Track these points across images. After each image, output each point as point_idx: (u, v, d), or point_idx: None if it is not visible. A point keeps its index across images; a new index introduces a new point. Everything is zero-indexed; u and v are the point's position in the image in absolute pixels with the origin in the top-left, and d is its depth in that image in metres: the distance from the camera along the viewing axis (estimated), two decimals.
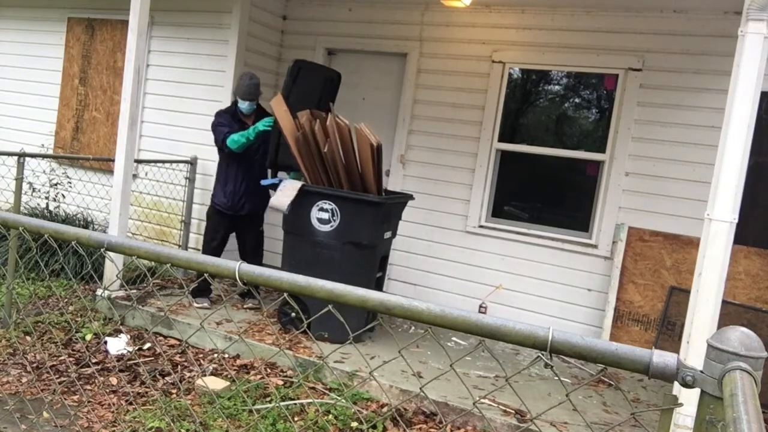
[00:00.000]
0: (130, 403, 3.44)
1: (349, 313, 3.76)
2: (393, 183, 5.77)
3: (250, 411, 3.40)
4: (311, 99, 4.72)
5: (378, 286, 4.64)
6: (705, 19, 4.65)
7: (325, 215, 4.25)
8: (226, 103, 5.75)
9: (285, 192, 4.31)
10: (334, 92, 5.15)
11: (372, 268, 4.48)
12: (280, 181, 4.45)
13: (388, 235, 4.55)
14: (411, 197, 4.83)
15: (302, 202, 4.31)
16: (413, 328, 4.98)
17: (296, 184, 4.31)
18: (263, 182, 4.64)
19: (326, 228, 4.27)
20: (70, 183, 6.47)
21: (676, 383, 1.07)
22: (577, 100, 5.39)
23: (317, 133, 4.21)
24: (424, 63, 5.65)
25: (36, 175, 6.54)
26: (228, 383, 3.72)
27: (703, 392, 1.03)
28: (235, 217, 4.90)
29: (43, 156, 6.02)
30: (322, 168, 4.35)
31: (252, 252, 5.06)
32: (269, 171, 4.81)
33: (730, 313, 4.33)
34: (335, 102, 5.12)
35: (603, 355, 1.12)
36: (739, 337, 1.00)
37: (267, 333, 4.47)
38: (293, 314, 4.43)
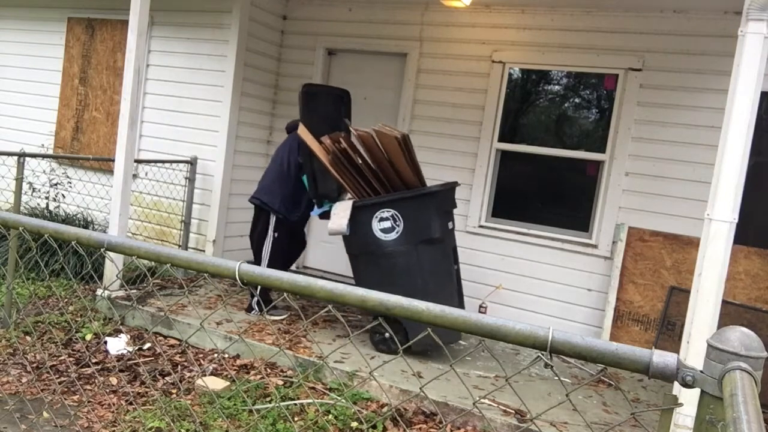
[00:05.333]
0: (130, 403, 3.44)
1: (442, 331, 3.68)
2: None
3: (250, 411, 3.40)
4: (328, 120, 4.64)
5: (457, 279, 4.51)
6: (705, 19, 4.66)
7: (387, 223, 4.07)
8: (226, 103, 5.77)
9: (339, 214, 4.17)
10: (347, 110, 5.08)
11: (449, 261, 4.32)
12: (330, 206, 4.38)
13: (450, 225, 4.37)
14: (456, 183, 4.59)
15: (359, 219, 4.14)
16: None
17: (347, 204, 4.18)
18: (313, 213, 4.61)
19: (393, 236, 4.06)
20: (70, 183, 6.47)
21: (676, 383, 1.07)
22: (577, 100, 5.39)
23: (347, 149, 4.14)
24: (424, 63, 5.65)
25: (36, 175, 6.54)
26: (228, 383, 3.72)
27: (703, 392, 1.03)
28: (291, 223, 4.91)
29: (43, 156, 6.02)
30: (364, 180, 4.24)
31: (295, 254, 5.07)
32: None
33: (730, 313, 4.33)
34: (351, 118, 5.07)
35: (603, 355, 1.12)
36: (739, 337, 1.00)
37: (267, 333, 4.47)
38: (387, 334, 4.21)
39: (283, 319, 4.85)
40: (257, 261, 4.79)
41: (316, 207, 4.70)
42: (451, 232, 4.41)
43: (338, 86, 5.40)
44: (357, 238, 4.19)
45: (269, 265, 4.70)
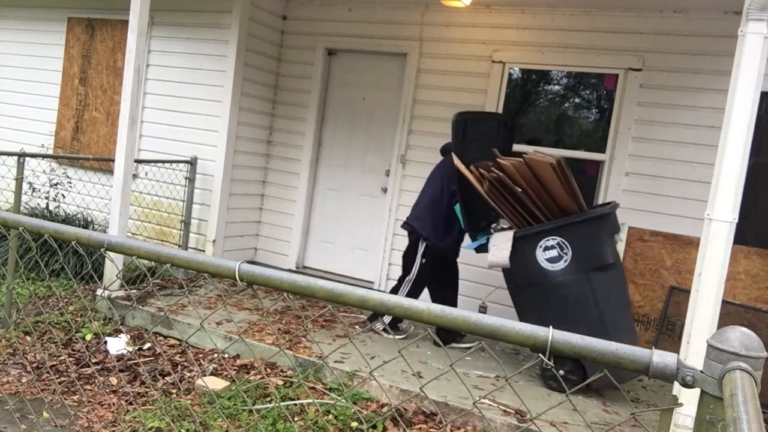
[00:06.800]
0: (130, 403, 3.44)
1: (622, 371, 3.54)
2: (393, 183, 5.78)
3: (250, 411, 3.40)
4: (487, 148, 4.34)
5: (629, 302, 4.23)
6: (705, 19, 4.66)
7: (554, 252, 3.80)
8: (225, 103, 5.77)
9: (499, 246, 3.93)
10: (509, 137, 4.81)
11: (625, 286, 4.06)
12: (487, 239, 4.19)
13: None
14: (617, 204, 4.18)
15: (520, 250, 3.89)
16: (413, 327, 4.98)
17: (507, 235, 3.93)
18: (468, 246, 4.44)
19: (560, 265, 3.79)
20: (70, 183, 6.47)
21: (676, 383, 1.07)
22: (577, 100, 5.39)
23: (504, 177, 3.94)
24: (424, 63, 5.65)
25: (36, 175, 6.54)
26: (228, 383, 3.72)
27: (703, 392, 1.03)
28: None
29: (43, 156, 6.02)
30: (524, 209, 4.00)
31: (450, 283, 4.86)
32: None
33: (730, 313, 4.33)
34: (512, 145, 4.87)
35: (603, 355, 1.12)
36: (739, 337, 1.00)
37: (267, 333, 4.47)
38: (561, 372, 3.87)
39: (401, 338, 4.70)
40: (399, 284, 4.64)
41: (470, 240, 4.46)
42: (618, 254, 4.07)
43: (502, 112, 5.18)
44: (520, 270, 3.92)
45: (410, 289, 4.57)
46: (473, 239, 4.43)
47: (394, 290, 4.63)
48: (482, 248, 4.30)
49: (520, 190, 3.88)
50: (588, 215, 3.80)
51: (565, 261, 3.78)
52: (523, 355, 4.71)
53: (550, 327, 1.17)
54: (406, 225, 4.71)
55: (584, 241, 3.78)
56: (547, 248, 3.81)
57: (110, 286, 4.82)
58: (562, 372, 3.82)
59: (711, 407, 1.01)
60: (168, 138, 6.09)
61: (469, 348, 4.56)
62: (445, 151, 4.77)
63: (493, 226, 4.35)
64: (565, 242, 3.78)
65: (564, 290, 3.79)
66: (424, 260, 4.58)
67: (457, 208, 4.47)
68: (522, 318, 3.98)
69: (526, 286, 3.98)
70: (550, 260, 3.81)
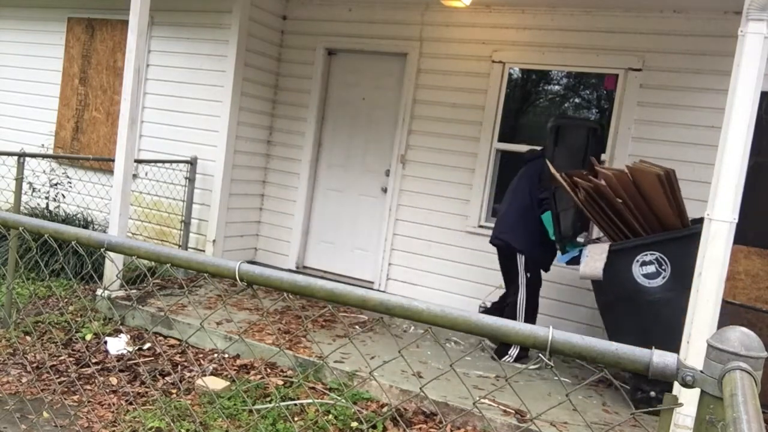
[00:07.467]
0: (130, 403, 3.44)
1: None
2: (393, 183, 5.78)
3: (250, 411, 3.40)
4: (577, 156, 4.27)
5: None
6: (705, 19, 4.66)
7: (651, 268, 3.64)
8: (226, 103, 5.77)
9: (594, 258, 3.75)
10: (598, 144, 4.56)
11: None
12: (580, 251, 4.04)
13: None
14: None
15: (615, 263, 3.71)
16: (413, 328, 4.98)
17: (603, 247, 3.75)
18: (560, 260, 4.24)
19: (658, 281, 3.62)
20: (70, 183, 6.47)
21: (676, 383, 1.07)
22: (577, 100, 5.39)
23: (603, 187, 3.76)
24: (424, 63, 5.65)
25: (36, 175, 6.54)
26: (228, 383, 3.72)
27: (703, 392, 1.03)
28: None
29: (43, 156, 6.03)
30: (622, 222, 3.81)
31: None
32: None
33: (730, 313, 4.32)
34: (599, 153, 4.67)
35: (603, 355, 1.12)
36: (739, 337, 1.00)
37: (267, 333, 4.47)
38: (652, 393, 3.69)
39: (531, 366, 4.16)
40: (512, 309, 4.34)
41: (560, 253, 4.28)
42: None
43: (590, 119, 5.05)
44: (613, 285, 3.73)
45: (526, 310, 4.30)
46: (563, 251, 4.30)
47: (510, 316, 4.27)
48: (573, 261, 4.16)
49: (620, 201, 3.72)
50: (691, 230, 3.60)
51: (663, 278, 3.63)
52: None
53: (550, 327, 1.17)
54: (496, 239, 4.46)
55: (687, 259, 3.53)
56: (644, 263, 3.66)
57: (110, 286, 4.82)
58: (652, 393, 3.65)
59: (711, 407, 1.01)
60: (168, 138, 6.09)
61: (536, 366, 4.13)
62: (529, 158, 4.61)
63: (583, 235, 4.16)
64: (665, 258, 3.62)
65: (660, 308, 3.61)
66: (528, 275, 4.35)
67: (546, 217, 4.31)
68: (612, 337, 3.80)
69: (618, 302, 3.81)
70: (647, 276, 3.65)
